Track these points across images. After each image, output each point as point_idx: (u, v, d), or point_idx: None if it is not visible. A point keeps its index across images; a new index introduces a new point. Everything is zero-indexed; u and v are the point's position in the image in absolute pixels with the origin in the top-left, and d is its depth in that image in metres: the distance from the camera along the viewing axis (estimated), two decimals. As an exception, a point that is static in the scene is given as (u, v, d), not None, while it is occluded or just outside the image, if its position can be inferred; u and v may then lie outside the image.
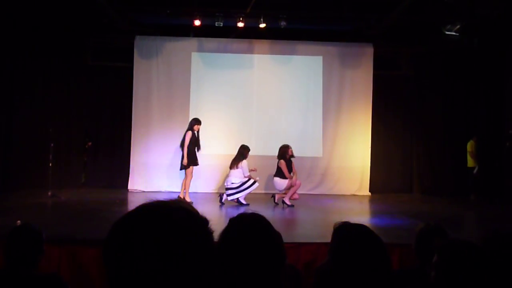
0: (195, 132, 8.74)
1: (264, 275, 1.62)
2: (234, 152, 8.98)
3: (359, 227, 1.68)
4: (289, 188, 8.70)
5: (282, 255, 1.73)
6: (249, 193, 8.68)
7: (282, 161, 8.71)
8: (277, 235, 1.78)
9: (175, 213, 0.92)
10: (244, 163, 8.66)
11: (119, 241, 0.90)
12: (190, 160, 8.59)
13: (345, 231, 1.64)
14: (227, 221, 1.69)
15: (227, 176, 8.83)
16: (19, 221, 5.20)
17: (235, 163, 8.71)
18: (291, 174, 8.79)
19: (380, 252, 1.57)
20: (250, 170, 8.71)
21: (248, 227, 1.68)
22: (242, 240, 1.62)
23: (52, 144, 9.27)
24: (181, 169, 8.77)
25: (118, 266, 0.89)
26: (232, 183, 8.62)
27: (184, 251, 0.88)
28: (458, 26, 9.53)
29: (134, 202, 9.24)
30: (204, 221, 0.95)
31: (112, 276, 0.90)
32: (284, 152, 8.79)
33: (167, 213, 0.92)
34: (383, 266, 1.55)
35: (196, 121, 8.79)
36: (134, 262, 0.87)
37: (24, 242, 2.63)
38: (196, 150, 8.71)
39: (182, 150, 8.62)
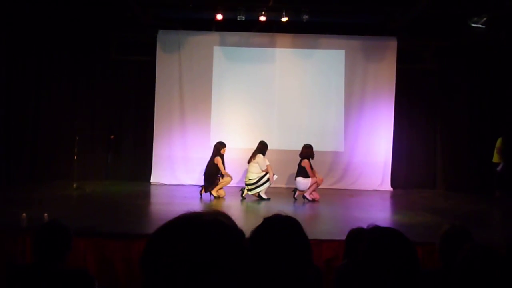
0: (223, 154, 8.77)
1: (291, 278, 1.63)
2: (255, 146, 9.01)
3: (392, 231, 1.67)
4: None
5: (310, 260, 1.73)
6: (269, 187, 8.71)
7: (306, 160, 8.67)
8: (308, 240, 1.77)
9: (210, 227, 0.95)
10: (260, 157, 8.70)
11: (154, 252, 0.94)
12: (214, 182, 8.65)
13: (377, 235, 1.64)
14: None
15: (247, 171, 8.90)
16: (46, 215, 5.34)
17: (251, 157, 8.78)
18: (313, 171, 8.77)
19: (411, 259, 1.56)
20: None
21: (281, 229, 1.68)
22: (274, 241, 1.62)
23: (77, 137, 9.45)
24: (207, 191, 8.65)
25: (152, 276, 0.93)
26: (250, 179, 8.68)
27: (216, 264, 0.91)
28: (484, 18, 9.31)
29: (156, 195, 9.39)
30: (239, 234, 0.97)
31: (148, 284, 0.93)
32: (309, 153, 8.76)
33: (202, 227, 0.95)
34: (412, 274, 1.55)
35: (222, 145, 8.79)
36: (168, 273, 0.91)
37: (52, 239, 2.70)
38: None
39: (209, 173, 8.61)
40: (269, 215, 1.70)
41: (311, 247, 1.73)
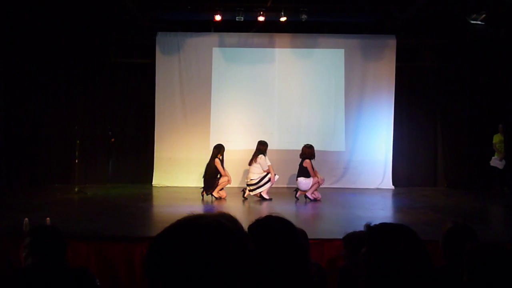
0: (222, 157, 8.77)
1: (287, 279, 1.60)
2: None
3: (401, 227, 1.60)
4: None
5: (307, 260, 1.70)
6: (270, 187, 8.71)
7: (308, 160, 8.66)
8: (302, 238, 1.74)
9: (211, 229, 0.95)
10: (261, 158, 8.70)
11: (157, 254, 0.95)
12: (214, 184, 8.64)
13: (384, 233, 1.58)
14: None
15: (248, 172, 8.89)
16: (48, 219, 5.33)
17: (252, 159, 8.77)
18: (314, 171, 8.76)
19: (420, 255, 1.50)
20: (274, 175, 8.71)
21: (272, 232, 1.66)
22: (266, 244, 1.60)
23: (77, 141, 9.45)
24: (208, 193, 8.65)
25: (155, 278, 0.93)
26: (251, 179, 8.68)
27: (218, 266, 0.90)
28: (483, 15, 9.30)
29: (158, 198, 9.38)
30: (241, 236, 0.96)
31: (151, 286, 0.93)
32: (310, 153, 8.74)
33: (203, 229, 0.95)
34: (423, 271, 1.49)
35: (220, 147, 8.77)
36: (170, 275, 0.91)
37: (43, 242, 2.70)
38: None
39: (209, 176, 8.60)
40: (252, 221, 1.66)
41: (308, 247, 1.70)
